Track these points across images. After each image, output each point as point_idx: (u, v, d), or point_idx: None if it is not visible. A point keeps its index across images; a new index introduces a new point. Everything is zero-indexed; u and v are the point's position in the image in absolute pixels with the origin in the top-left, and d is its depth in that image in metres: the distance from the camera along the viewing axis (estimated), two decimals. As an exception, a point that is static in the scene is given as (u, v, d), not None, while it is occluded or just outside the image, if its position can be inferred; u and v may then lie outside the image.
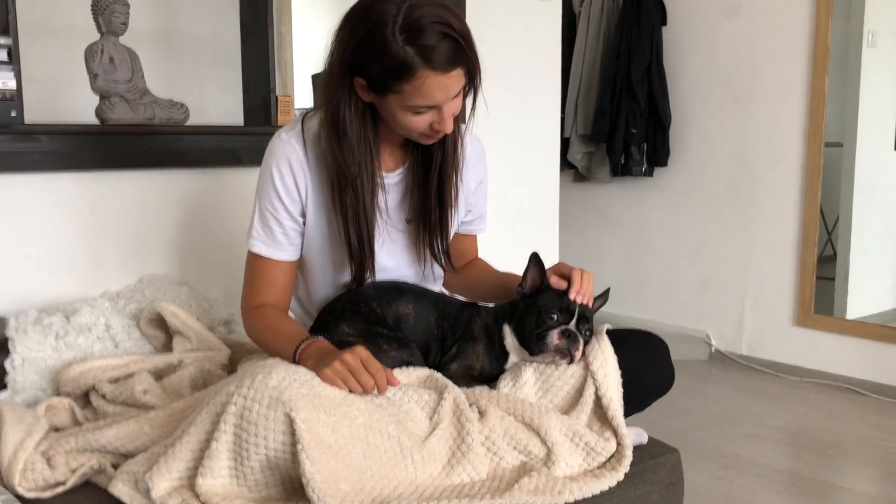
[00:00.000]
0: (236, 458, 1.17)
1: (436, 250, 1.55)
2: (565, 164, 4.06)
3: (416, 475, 1.25)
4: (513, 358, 1.49)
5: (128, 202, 1.96)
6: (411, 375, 1.40)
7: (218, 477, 1.16)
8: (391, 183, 1.53)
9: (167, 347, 1.69)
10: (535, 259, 1.49)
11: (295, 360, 1.35)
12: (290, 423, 1.15)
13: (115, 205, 1.94)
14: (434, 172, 1.50)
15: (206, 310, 1.85)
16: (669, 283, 3.99)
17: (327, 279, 1.55)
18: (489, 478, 1.30)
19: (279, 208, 1.48)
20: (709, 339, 3.81)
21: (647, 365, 1.48)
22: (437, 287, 1.69)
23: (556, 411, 1.39)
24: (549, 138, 2.90)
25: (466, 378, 1.46)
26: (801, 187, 3.46)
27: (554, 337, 1.42)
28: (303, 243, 1.53)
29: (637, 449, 1.44)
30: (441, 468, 1.28)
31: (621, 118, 3.79)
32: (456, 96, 1.38)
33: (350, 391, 1.26)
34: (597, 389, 1.41)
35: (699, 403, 3.20)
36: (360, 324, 1.44)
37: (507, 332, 1.49)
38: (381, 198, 1.49)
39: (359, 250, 1.47)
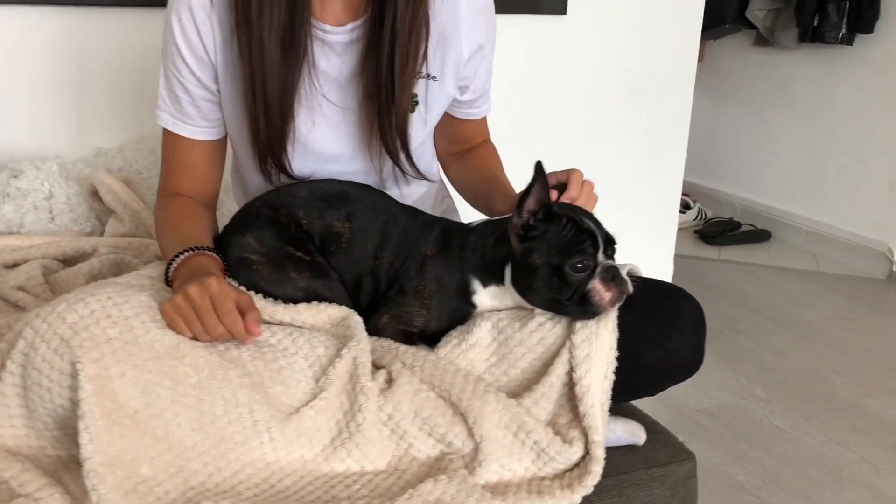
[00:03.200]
0: (26, 406, 0.89)
1: (387, 138, 1.14)
2: (744, 22, 3.37)
3: (275, 456, 0.92)
4: (482, 308, 1.09)
5: (118, 45, 1.67)
6: (321, 314, 1.04)
7: (8, 427, 0.90)
8: (338, 41, 1.12)
9: (118, 225, 1.44)
10: (539, 171, 1.00)
11: (167, 279, 1.04)
12: (77, 377, 0.85)
13: (101, 47, 1.66)
14: (387, 26, 1.07)
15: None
16: (852, 181, 3.27)
17: (252, 165, 1.19)
18: (389, 469, 0.95)
19: (183, 71, 1.12)
20: (891, 254, 3.10)
21: (658, 342, 1.02)
22: (415, 193, 1.28)
23: (498, 392, 0.98)
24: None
25: (399, 336, 1.07)
26: None
27: (601, 291, 0.99)
28: (224, 118, 1.17)
29: (629, 453, 1.02)
30: (320, 450, 0.95)
31: (818, -34, 3.03)
32: None
33: (194, 337, 0.93)
34: (571, 370, 0.99)
35: (855, 335, 2.59)
36: (272, 239, 1.08)
37: (480, 290, 1.07)
38: (311, 55, 1.09)
39: (265, 126, 1.09)
